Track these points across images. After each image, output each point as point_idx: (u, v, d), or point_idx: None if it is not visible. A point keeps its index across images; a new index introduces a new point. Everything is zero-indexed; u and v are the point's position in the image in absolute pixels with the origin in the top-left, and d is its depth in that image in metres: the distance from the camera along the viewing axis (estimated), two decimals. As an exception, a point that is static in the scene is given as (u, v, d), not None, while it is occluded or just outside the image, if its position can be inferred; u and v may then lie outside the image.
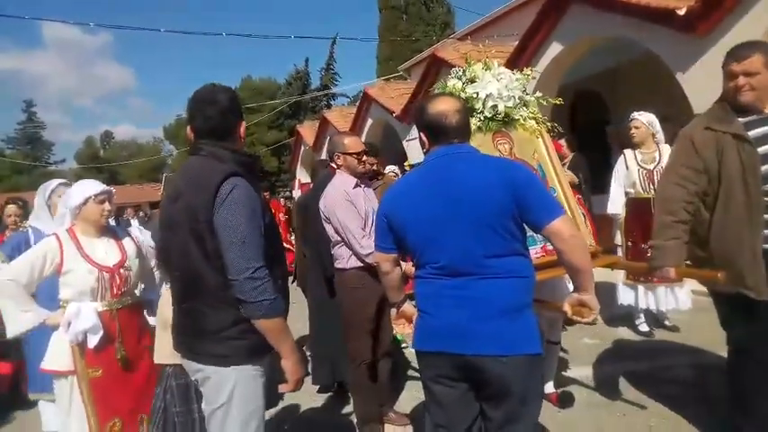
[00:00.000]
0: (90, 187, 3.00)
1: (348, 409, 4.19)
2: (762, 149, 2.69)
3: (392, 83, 14.94)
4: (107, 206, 3.04)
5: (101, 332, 2.86)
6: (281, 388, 2.24)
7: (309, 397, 4.41)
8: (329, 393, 4.54)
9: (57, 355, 2.90)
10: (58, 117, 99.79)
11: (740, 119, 2.76)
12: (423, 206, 2.13)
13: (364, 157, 4.06)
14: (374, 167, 5.08)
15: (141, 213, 12.58)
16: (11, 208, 4.63)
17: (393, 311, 2.61)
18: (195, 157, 2.25)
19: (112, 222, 3.28)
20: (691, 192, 2.84)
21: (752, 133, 2.72)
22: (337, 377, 4.37)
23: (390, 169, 7.18)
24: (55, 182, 3.86)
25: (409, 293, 2.46)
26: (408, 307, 2.54)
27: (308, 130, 18.85)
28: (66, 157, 67.00)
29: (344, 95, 34.86)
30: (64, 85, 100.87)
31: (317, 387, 4.49)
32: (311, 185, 4.41)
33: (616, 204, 5.21)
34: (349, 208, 3.48)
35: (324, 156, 15.24)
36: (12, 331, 2.88)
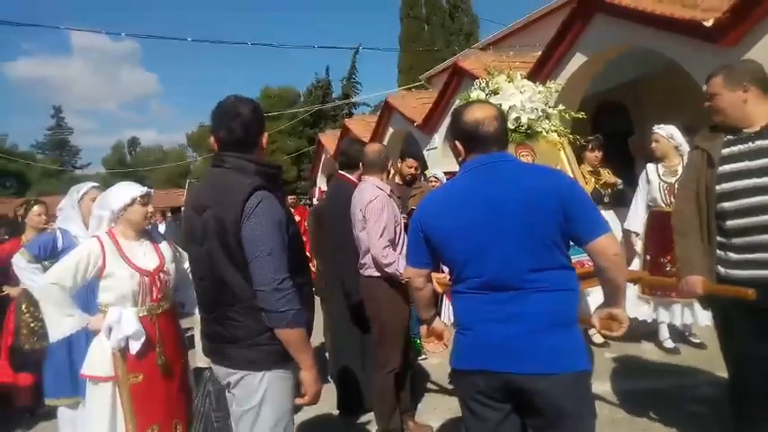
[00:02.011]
0: (134, 189, 2.99)
1: (365, 418, 4.17)
2: (724, 168, 2.70)
3: (414, 92, 14.94)
4: (150, 208, 3.05)
5: (143, 338, 2.83)
6: (299, 401, 2.26)
7: (328, 407, 4.36)
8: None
9: (98, 361, 2.86)
10: (84, 122, 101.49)
11: (728, 137, 2.77)
12: (465, 217, 2.03)
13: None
14: (413, 171, 4.97)
15: (168, 217, 12.71)
16: (37, 208, 4.66)
17: (423, 329, 2.51)
18: (219, 170, 2.29)
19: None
20: (693, 206, 2.85)
21: (725, 151, 2.73)
22: (359, 399, 4.24)
23: (433, 174, 6.83)
24: (87, 185, 3.85)
25: None
26: (439, 324, 2.46)
27: (329, 138, 18.91)
28: (93, 161, 67.99)
29: (366, 104, 34.96)
30: (91, 90, 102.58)
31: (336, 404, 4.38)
32: (325, 196, 4.39)
33: (634, 221, 5.12)
34: (384, 215, 3.45)
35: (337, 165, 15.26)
36: (54, 336, 2.87)
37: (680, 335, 5.27)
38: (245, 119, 2.24)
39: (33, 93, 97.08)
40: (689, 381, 4.41)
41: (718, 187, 2.70)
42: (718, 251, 2.76)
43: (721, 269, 2.76)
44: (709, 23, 5.49)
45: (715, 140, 2.78)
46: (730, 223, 2.69)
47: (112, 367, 2.83)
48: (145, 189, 3.04)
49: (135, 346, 2.81)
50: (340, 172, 4.21)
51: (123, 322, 2.80)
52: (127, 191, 2.98)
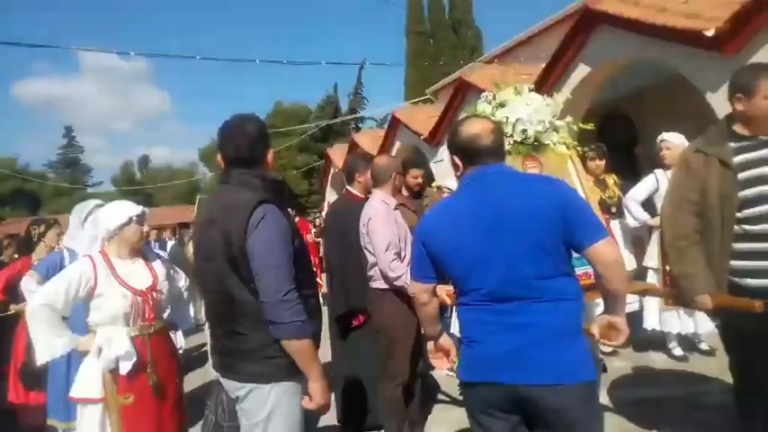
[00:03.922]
0: (130, 208, 2.98)
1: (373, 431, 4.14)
2: (743, 175, 2.64)
3: (420, 106, 14.98)
4: (145, 227, 3.05)
5: (134, 358, 2.77)
6: (305, 404, 2.26)
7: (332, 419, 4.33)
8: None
9: (87, 383, 2.81)
10: (96, 141, 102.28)
11: (732, 144, 2.72)
12: (466, 230, 2.04)
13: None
14: (420, 180, 4.92)
15: (177, 236, 12.72)
16: (57, 228, 4.71)
17: (430, 345, 2.49)
18: (226, 185, 2.34)
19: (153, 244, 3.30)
20: (694, 213, 2.77)
21: (741, 158, 2.67)
22: (365, 412, 4.21)
23: (445, 186, 6.52)
24: (91, 203, 3.86)
25: None
26: (446, 340, 2.44)
27: (337, 153, 18.94)
28: (104, 179, 68.43)
29: (373, 119, 35.11)
30: (102, 109, 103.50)
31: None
32: (333, 210, 4.37)
33: (640, 212, 5.03)
34: (387, 229, 3.48)
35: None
36: (44, 357, 2.76)
37: (689, 342, 5.23)
38: (250, 136, 2.29)
39: (45, 112, 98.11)
40: (698, 388, 4.38)
41: (740, 194, 2.64)
42: (733, 261, 2.68)
43: (736, 279, 2.69)
44: (710, 33, 5.50)
45: (722, 146, 2.73)
46: (755, 229, 2.63)
47: (102, 389, 2.78)
48: (140, 208, 3.03)
49: (125, 367, 2.76)
50: (347, 187, 4.25)
51: (114, 343, 2.75)
52: (122, 210, 2.96)
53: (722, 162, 2.70)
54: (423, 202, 4.83)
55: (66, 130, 59.71)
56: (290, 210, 2.85)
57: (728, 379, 4.31)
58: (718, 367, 4.66)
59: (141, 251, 3.08)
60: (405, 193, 4.72)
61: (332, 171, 19.55)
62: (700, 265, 2.76)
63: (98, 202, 3.93)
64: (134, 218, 2.94)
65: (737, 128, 2.76)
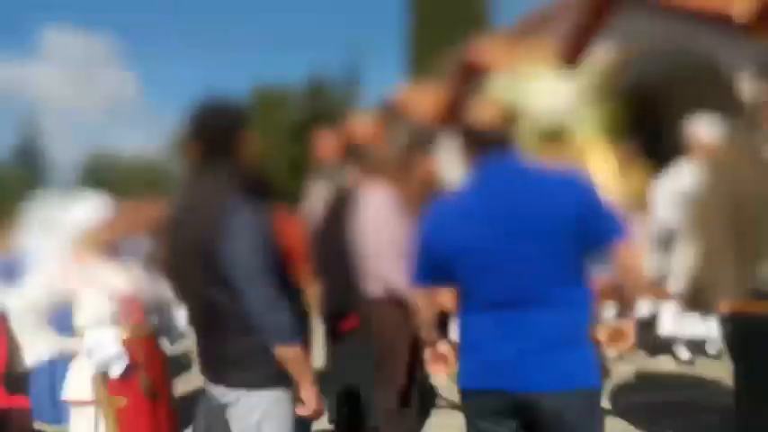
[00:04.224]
0: (96, 204, 3.04)
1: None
2: None
3: (422, 87, 14.96)
4: (114, 225, 3.11)
5: (125, 360, 2.89)
6: (298, 410, 2.30)
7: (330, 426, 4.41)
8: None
9: (78, 385, 2.93)
10: (61, 128, 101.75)
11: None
12: (474, 230, 2.07)
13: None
14: (431, 168, 4.88)
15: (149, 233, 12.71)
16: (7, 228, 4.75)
17: (428, 351, 2.53)
18: (199, 179, 2.32)
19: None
20: (729, 214, 2.72)
21: None
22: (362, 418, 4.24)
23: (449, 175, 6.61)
24: (52, 200, 3.99)
25: None
26: (445, 346, 2.47)
27: (327, 139, 18.89)
28: (68, 170, 68.22)
29: (370, 103, 34.95)
30: (66, 95, 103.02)
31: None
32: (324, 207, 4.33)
33: (665, 210, 5.06)
34: (385, 227, 3.50)
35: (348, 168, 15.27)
36: (32, 360, 3.01)
37: (696, 346, 5.36)
38: (223, 122, 2.27)
39: (2, 97, 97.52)
40: (705, 392, 4.54)
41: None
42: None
43: None
44: (738, 14, 5.54)
45: (756, 138, 2.75)
46: None
47: (93, 391, 2.90)
48: (108, 202, 3.08)
49: (116, 369, 2.87)
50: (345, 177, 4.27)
51: (104, 344, 2.86)
52: (89, 208, 3.02)
53: (751, 156, 2.72)
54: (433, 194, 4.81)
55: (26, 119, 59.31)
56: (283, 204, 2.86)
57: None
58: (724, 370, 4.73)
59: (116, 250, 3.15)
60: (414, 182, 4.71)
61: (321, 160, 19.52)
62: (725, 271, 2.78)
63: (59, 198, 3.97)
64: (99, 216, 3.01)
65: None
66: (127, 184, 50.21)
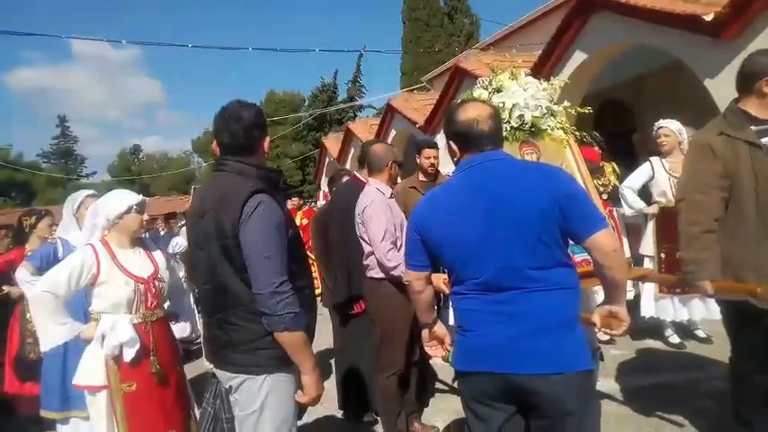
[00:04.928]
0: (130, 197, 2.98)
1: (370, 420, 4.15)
2: None
3: (416, 94, 14.92)
4: (146, 216, 3.05)
5: (137, 345, 2.79)
6: (298, 397, 2.26)
7: (333, 409, 4.34)
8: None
9: (91, 371, 2.82)
10: (90, 131, 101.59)
11: (753, 127, 2.71)
12: (461, 218, 2.01)
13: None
14: (434, 161, 4.69)
15: (171, 222, 12.65)
16: (48, 219, 4.67)
17: (425, 333, 2.45)
18: (221, 174, 2.31)
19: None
20: (716, 198, 2.74)
21: (765, 140, 2.67)
22: (365, 401, 4.18)
23: (446, 173, 6.46)
24: (83, 193, 3.88)
25: None
26: (440, 328, 2.40)
27: (332, 142, 18.91)
28: (98, 169, 68.14)
29: (372, 107, 34.89)
30: (95, 99, 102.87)
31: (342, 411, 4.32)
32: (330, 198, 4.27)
33: (636, 201, 5.04)
34: (383, 218, 3.44)
35: (348, 164, 15.37)
36: (47, 344, 2.83)
37: (685, 330, 5.24)
38: (246, 123, 2.26)
39: (37, 102, 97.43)
40: (695, 375, 4.39)
41: None
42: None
43: None
44: (709, 17, 5.46)
45: (745, 129, 2.71)
46: None
47: (105, 376, 2.80)
48: (140, 197, 3.03)
49: (129, 354, 2.78)
50: (354, 172, 4.23)
51: (117, 329, 2.77)
52: (123, 199, 2.96)
53: (752, 144, 2.67)
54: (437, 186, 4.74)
55: (59, 120, 59.34)
56: (293, 198, 2.83)
57: (726, 366, 4.36)
58: (715, 354, 4.68)
59: (141, 240, 3.10)
60: (421, 177, 4.66)
61: (327, 161, 19.52)
62: (709, 252, 2.73)
63: (90, 192, 3.94)
64: (134, 206, 2.95)
65: (754, 112, 2.75)
66: (153, 180, 50.61)
